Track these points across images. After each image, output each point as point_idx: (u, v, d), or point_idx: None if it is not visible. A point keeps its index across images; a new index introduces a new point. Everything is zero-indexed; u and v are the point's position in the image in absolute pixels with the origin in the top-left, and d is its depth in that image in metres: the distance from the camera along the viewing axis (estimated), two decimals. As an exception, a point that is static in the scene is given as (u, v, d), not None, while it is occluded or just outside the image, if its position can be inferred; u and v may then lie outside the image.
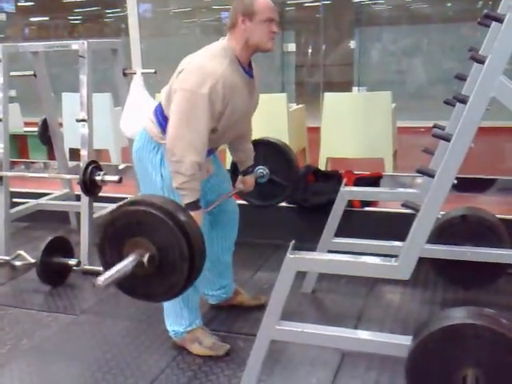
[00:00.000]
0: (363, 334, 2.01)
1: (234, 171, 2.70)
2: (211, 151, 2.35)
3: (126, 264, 1.74)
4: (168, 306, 2.43)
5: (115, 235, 1.81)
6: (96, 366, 2.39)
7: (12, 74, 3.70)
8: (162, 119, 2.24)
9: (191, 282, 1.84)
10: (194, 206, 2.13)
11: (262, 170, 2.76)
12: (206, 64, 2.09)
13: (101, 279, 1.67)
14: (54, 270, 3.14)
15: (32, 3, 8.59)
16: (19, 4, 7.93)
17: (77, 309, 2.91)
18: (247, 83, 2.22)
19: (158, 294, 1.87)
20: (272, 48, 2.19)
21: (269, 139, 2.80)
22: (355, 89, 6.31)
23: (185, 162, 2.06)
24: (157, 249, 1.76)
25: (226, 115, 2.15)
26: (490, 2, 5.76)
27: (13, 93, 5.93)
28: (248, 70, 2.23)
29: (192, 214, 1.91)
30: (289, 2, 7.31)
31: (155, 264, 1.77)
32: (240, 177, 2.62)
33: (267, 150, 2.74)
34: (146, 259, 1.75)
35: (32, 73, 3.74)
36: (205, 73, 2.06)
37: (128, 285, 1.83)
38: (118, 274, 1.71)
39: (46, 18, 8.56)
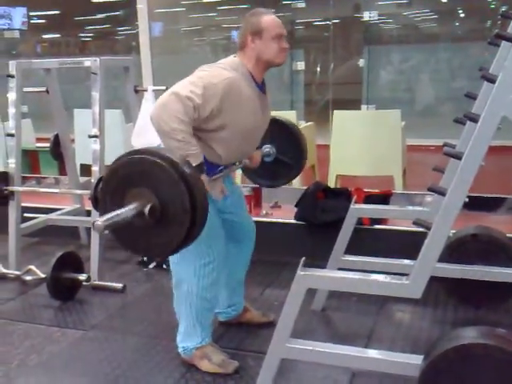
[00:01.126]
0: (374, 353, 2.00)
1: None
2: (224, 168, 2.32)
3: (126, 210, 1.70)
4: (182, 321, 2.42)
5: (117, 184, 1.77)
6: (105, 382, 2.38)
7: (25, 89, 3.75)
8: None
9: (192, 238, 1.79)
10: (197, 169, 1.98)
11: (268, 148, 2.69)
12: (216, 70, 2.14)
13: (100, 220, 1.63)
14: (64, 285, 3.15)
15: (44, 20, 8.71)
16: (32, 21, 8.05)
17: (86, 324, 2.91)
18: (259, 97, 2.24)
19: (158, 246, 1.81)
20: (283, 61, 2.23)
21: (276, 117, 2.69)
22: (364, 107, 6.33)
23: (173, 128, 2.00)
24: (159, 200, 1.72)
25: (234, 121, 2.14)
26: (499, 22, 5.79)
27: (25, 109, 6.00)
28: (261, 85, 2.26)
29: None
30: (298, 21, 7.37)
31: (156, 215, 1.73)
32: None
33: (275, 128, 2.60)
34: (147, 210, 1.71)
35: (44, 89, 3.79)
36: (212, 75, 2.10)
37: (127, 236, 1.79)
38: (117, 218, 1.67)
39: (58, 35, 8.68)
